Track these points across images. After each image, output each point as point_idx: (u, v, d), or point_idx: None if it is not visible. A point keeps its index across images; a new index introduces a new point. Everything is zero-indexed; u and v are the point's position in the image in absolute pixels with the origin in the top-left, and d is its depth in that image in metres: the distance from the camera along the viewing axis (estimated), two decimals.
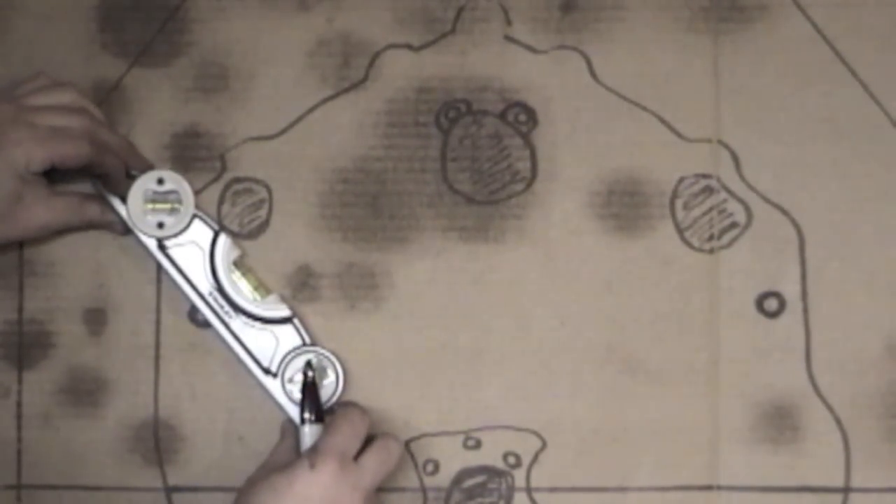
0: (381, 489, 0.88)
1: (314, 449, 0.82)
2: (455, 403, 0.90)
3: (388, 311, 0.91)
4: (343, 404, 0.88)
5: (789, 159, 0.91)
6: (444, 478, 0.90)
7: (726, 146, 0.92)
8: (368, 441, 0.85)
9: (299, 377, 0.88)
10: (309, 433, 0.85)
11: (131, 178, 0.89)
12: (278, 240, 0.91)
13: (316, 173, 0.91)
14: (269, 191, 0.91)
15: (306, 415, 0.85)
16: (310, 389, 0.86)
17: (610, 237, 0.91)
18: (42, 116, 0.85)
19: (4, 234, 0.86)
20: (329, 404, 0.88)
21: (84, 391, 0.90)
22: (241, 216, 0.91)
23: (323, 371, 0.88)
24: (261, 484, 0.81)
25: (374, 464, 0.83)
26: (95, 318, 0.90)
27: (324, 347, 0.89)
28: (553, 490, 0.90)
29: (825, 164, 0.91)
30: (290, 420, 0.88)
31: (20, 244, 0.90)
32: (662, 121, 0.92)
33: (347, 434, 0.83)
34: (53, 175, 0.86)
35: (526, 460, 0.90)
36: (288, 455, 0.85)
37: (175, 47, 0.92)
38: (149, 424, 0.90)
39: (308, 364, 0.87)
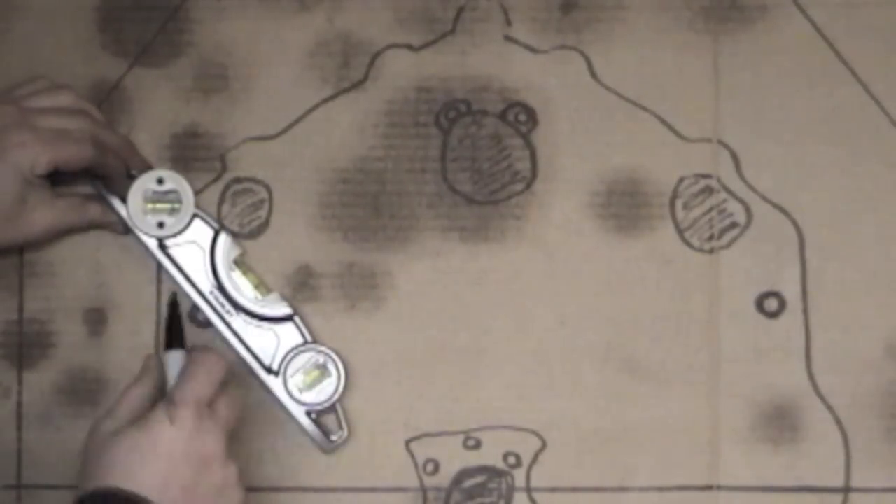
0: (379, 489, 0.92)
1: (170, 400, 0.81)
2: (455, 403, 0.93)
3: (388, 311, 0.93)
4: (197, 349, 0.86)
5: (789, 159, 0.94)
6: (444, 478, 0.92)
7: (726, 146, 0.94)
8: None
9: (301, 376, 0.91)
10: (172, 360, 0.84)
11: (131, 178, 0.91)
12: (278, 240, 0.93)
13: (316, 173, 0.94)
14: (269, 191, 0.94)
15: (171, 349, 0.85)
16: (173, 316, 0.87)
17: (610, 237, 0.94)
18: (44, 119, 0.88)
19: (9, 237, 0.88)
20: (330, 402, 0.91)
21: (84, 391, 0.92)
22: (241, 216, 0.94)
23: (325, 369, 0.91)
24: (121, 441, 0.80)
25: (227, 406, 0.83)
26: (95, 318, 0.93)
27: (326, 346, 0.91)
28: (553, 490, 0.92)
29: (825, 164, 0.94)
30: (152, 357, 0.86)
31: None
32: (662, 121, 0.94)
33: (203, 381, 0.82)
34: (53, 177, 0.88)
35: (526, 460, 0.92)
36: (140, 402, 0.83)
37: (175, 47, 0.94)
38: None
39: (174, 295, 0.88)
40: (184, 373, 0.83)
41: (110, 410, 0.82)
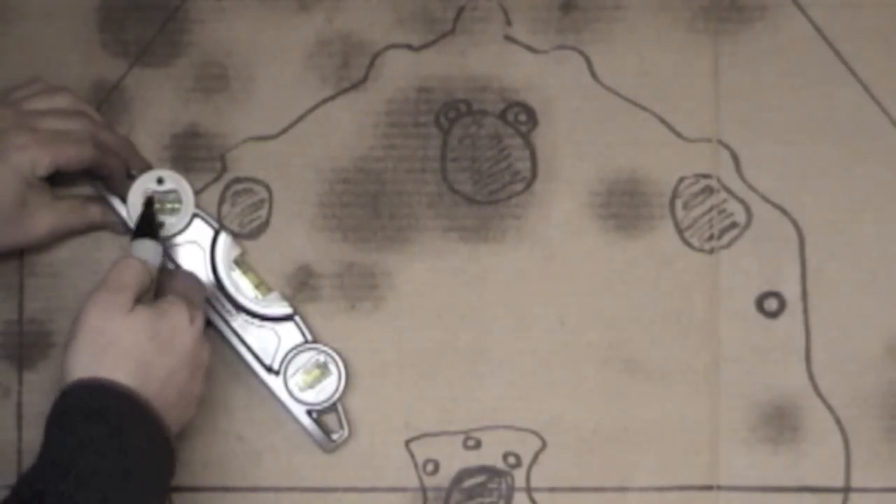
0: (379, 489, 0.93)
1: (189, 301, 0.86)
2: (455, 403, 0.94)
3: (388, 311, 0.94)
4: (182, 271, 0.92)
5: (789, 159, 0.95)
6: (444, 478, 0.94)
7: (726, 146, 0.95)
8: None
9: (301, 375, 0.92)
10: (144, 247, 0.88)
11: (131, 178, 0.92)
12: (278, 240, 0.95)
13: (316, 173, 0.95)
14: (269, 191, 0.95)
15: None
16: (148, 208, 0.91)
17: (610, 237, 0.95)
18: (44, 121, 0.89)
19: (10, 240, 0.90)
20: (331, 401, 0.92)
21: None
22: (241, 216, 0.95)
23: (325, 368, 0.92)
24: (133, 322, 0.83)
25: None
26: None
27: (326, 345, 0.93)
28: (553, 490, 0.94)
29: (825, 164, 0.95)
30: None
31: None
32: (662, 121, 0.96)
33: (202, 291, 0.90)
34: (52, 178, 0.89)
35: (526, 460, 0.94)
36: (144, 279, 0.86)
37: (175, 47, 0.96)
38: None
39: (152, 195, 0.92)
40: (185, 281, 0.89)
41: (115, 283, 0.84)
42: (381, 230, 0.95)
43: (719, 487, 0.94)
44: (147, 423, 0.81)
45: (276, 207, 0.95)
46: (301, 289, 0.94)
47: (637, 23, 0.96)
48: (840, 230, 0.95)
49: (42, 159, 0.87)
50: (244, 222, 0.95)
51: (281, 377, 0.92)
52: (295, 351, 0.92)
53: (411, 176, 0.95)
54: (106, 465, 0.78)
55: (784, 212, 0.95)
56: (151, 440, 0.81)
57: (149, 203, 0.92)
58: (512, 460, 0.94)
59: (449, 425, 0.94)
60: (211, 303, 0.92)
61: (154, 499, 0.82)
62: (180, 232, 0.93)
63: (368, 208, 0.95)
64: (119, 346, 0.82)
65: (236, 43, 0.96)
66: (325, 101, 0.96)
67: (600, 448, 0.94)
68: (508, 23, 0.96)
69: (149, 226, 0.90)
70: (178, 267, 0.92)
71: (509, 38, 0.96)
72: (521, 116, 0.96)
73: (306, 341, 0.93)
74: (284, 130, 0.96)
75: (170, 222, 0.93)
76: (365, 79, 0.96)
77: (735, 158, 0.95)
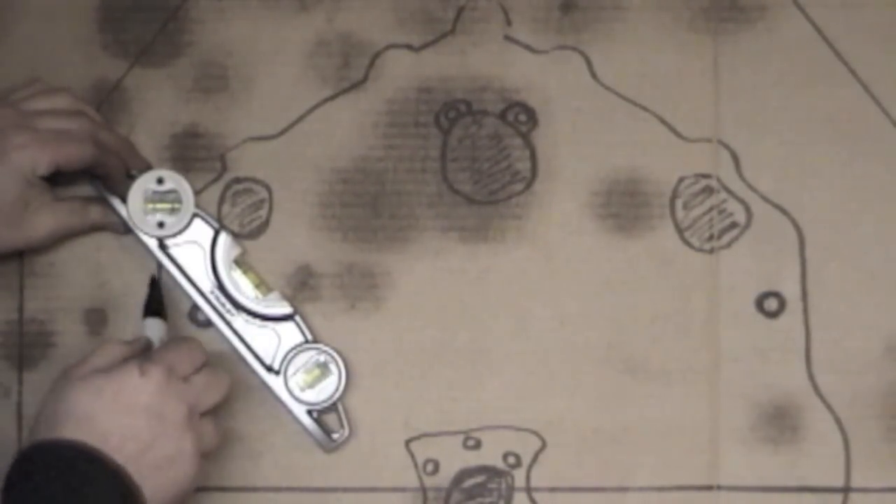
0: (379, 489, 0.93)
1: (145, 357, 0.84)
2: (455, 403, 0.94)
3: (388, 311, 0.95)
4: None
5: (789, 159, 0.96)
6: (444, 478, 0.94)
7: (726, 146, 0.96)
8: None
9: (301, 375, 0.92)
10: (150, 326, 0.89)
11: (131, 178, 0.93)
12: (278, 240, 0.95)
13: (316, 173, 0.96)
14: (269, 191, 0.95)
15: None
16: (154, 286, 0.91)
17: (610, 237, 0.96)
18: (43, 120, 0.89)
19: (11, 241, 0.90)
20: (331, 401, 0.92)
21: None
22: (241, 216, 0.95)
23: (325, 368, 0.93)
24: (86, 387, 0.81)
25: (203, 384, 0.85)
26: (95, 318, 0.94)
27: (327, 345, 0.93)
28: (553, 490, 0.94)
29: (825, 164, 0.96)
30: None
31: None
32: (662, 121, 0.96)
33: (182, 354, 0.85)
34: (52, 178, 0.90)
35: (526, 460, 0.94)
36: (117, 356, 0.84)
37: (175, 47, 0.96)
38: None
39: (154, 275, 0.93)
40: (166, 343, 0.87)
41: (84, 359, 0.84)
42: (381, 230, 0.95)
43: (719, 487, 0.94)
44: (105, 476, 0.79)
45: (276, 207, 0.96)
46: (301, 289, 0.95)
47: (637, 23, 0.97)
48: (840, 230, 0.96)
49: (42, 158, 0.88)
50: (244, 222, 0.95)
51: (281, 377, 0.93)
52: (295, 351, 0.93)
53: (411, 176, 0.96)
54: None
55: (784, 212, 0.96)
56: (112, 494, 0.80)
57: (153, 283, 0.92)
58: (512, 460, 0.94)
59: (449, 425, 0.94)
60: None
61: None
62: (180, 232, 0.93)
63: (368, 208, 0.96)
64: (69, 408, 0.80)
65: (236, 43, 0.96)
66: (325, 101, 0.96)
67: (600, 448, 0.94)
68: (508, 23, 0.97)
69: (156, 305, 0.91)
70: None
71: (509, 38, 0.97)
72: (521, 116, 0.96)
73: (306, 341, 0.93)
74: (284, 130, 0.96)
75: (170, 222, 0.93)
76: (365, 79, 0.96)
77: (735, 158, 0.96)
